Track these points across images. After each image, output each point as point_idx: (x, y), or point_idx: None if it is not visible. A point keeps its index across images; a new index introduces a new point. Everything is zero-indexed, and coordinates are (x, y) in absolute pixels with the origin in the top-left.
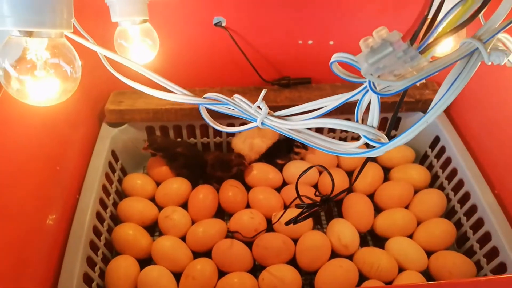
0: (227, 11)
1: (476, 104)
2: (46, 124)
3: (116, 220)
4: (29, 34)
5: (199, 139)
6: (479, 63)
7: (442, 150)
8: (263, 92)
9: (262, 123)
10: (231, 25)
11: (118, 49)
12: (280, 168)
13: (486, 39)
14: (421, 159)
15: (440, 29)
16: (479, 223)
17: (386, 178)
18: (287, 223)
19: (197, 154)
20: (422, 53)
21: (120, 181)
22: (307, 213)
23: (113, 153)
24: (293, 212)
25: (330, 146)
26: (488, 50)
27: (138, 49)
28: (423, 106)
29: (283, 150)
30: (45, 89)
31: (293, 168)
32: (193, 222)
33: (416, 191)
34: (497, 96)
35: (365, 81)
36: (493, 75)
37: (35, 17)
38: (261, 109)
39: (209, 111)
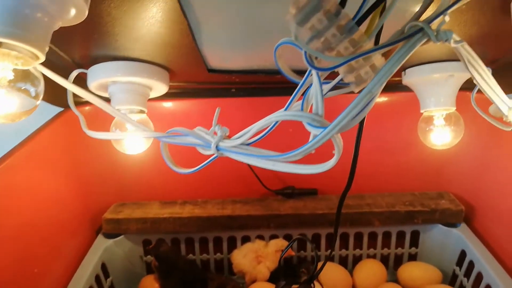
0: (230, 122)
1: (501, 214)
2: (33, 229)
3: None
4: None
5: (198, 255)
6: (422, 41)
7: (471, 265)
8: (217, 111)
9: (217, 147)
10: (234, 134)
11: (113, 140)
12: None
13: (431, 20)
14: (450, 281)
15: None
16: None
17: None
18: None
19: (197, 272)
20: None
21: None
22: None
23: (103, 266)
24: None
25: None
26: (435, 33)
27: (133, 138)
28: (440, 216)
29: (287, 274)
30: None
31: None
32: None
33: None
34: None
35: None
36: None
37: (6, 28)
38: (217, 134)
39: None
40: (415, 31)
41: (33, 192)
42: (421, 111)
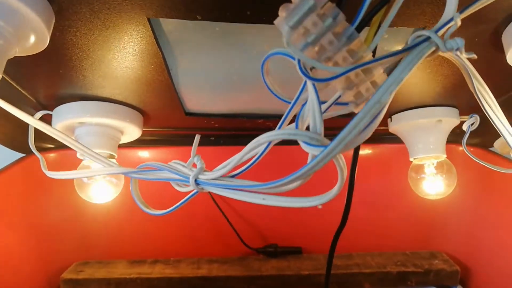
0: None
1: (499, 274)
2: None
3: None
4: None
5: None
6: (430, 50)
7: None
8: (196, 138)
9: (196, 180)
10: None
11: (77, 186)
12: None
13: (438, 28)
14: None
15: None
16: None
17: None
18: None
19: None
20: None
21: None
22: None
23: None
24: None
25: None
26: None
27: (100, 186)
28: (435, 277)
29: None
30: None
31: None
32: None
33: None
34: None
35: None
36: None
37: None
38: (196, 166)
39: None
40: (420, 41)
41: None
42: (410, 159)
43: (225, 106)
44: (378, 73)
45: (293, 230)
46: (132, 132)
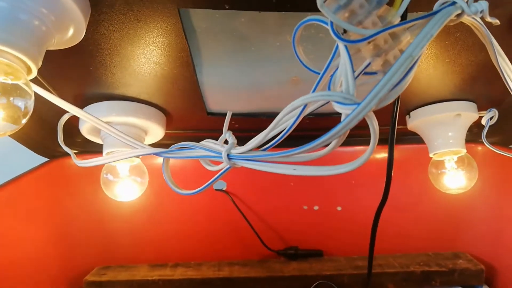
0: (228, 175)
1: None
2: None
3: None
4: None
5: None
6: (456, 12)
7: None
8: (228, 114)
9: (228, 155)
10: (232, 189)
11: (103, 184)
12: None
13: None
14: None
15: None
16: None
17: None
18: None
19: None
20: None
21: None
22: None
23: None
24: None
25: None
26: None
27: (125, 184)
28: (459, 277)
29: None
30: None
31: None
32: None
33: None
34: None
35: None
36: None
37: None
38: (227, 143)
39: None
40: (446, 6)
41: (5, 244)
42: (430, 155)
43: (246, 105)
44: (406, 39)
45: (313, 233)
46: (156, 132)
